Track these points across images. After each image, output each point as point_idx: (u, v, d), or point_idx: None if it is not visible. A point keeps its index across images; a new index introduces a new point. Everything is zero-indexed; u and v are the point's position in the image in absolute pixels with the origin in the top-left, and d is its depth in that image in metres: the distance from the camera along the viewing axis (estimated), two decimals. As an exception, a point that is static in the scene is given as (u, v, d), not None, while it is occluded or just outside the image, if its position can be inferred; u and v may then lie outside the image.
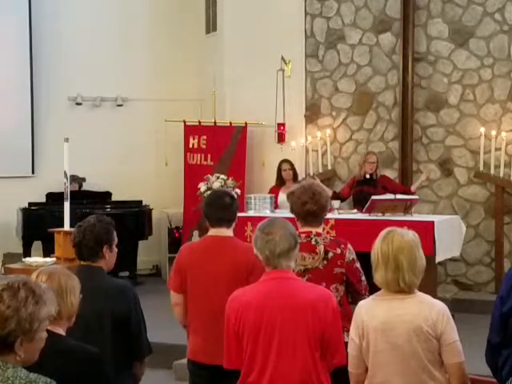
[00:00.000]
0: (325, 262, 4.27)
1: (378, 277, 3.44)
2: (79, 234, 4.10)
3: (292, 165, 9.53)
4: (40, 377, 2.57)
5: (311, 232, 4.33)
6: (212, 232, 4.47)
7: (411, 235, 3.48)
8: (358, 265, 4.34)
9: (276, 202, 8.82)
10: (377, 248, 3.46)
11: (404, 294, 3.43)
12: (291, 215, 4.46)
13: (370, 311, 3.48)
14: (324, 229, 4.59)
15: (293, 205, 4.42)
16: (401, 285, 3.40)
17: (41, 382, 2.55)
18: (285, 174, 9.46)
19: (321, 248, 4.28)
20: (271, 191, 9.23)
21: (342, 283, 4.30)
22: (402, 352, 3.38)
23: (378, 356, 3.43)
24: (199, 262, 4.38)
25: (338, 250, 4.29)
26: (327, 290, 3.80)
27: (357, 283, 4.32)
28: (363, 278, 4.32)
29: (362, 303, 3.60)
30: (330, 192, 8.58)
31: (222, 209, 4.41)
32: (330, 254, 4.28)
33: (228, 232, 4.44)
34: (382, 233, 3.50)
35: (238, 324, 3.52)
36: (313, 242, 4.29)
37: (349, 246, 4.35)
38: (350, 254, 4.32)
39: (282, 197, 8.40)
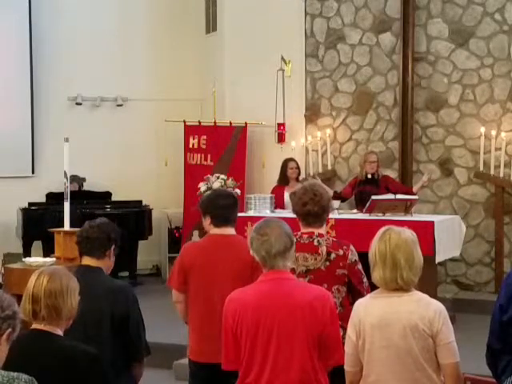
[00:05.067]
0: (327, 263, 4.27)
1: (376, 275, 3.44)
2: (91, 229, 4.12)
3: (298, 164, 9.51)
4: (21, 374, 2.58)
5: (313, 233, 4.33)
6: (216, 231, 4.50)
7: (408, 233, 3.47)
8: (359, 266, 4.33)
9: (282, 201, 8.79)
10: (374, 247, 3.45)
11: (402, 292, 3.42)
12: (292, 215, 4.47)
13: (367, 309, 3.48)
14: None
15: (294, 205, 4.43)
16: (399, 283, 3.39)
17: (23, 379, 2.55)
18: (291, 172, 9.36)
19: (323, 249, 4.28)
20: (274, 191, 9.20)
21: (343, 284, 4.30)
22: (397, 350, 3.37)
23: (374, 354, 3.42)
24: (204, 261, 4.41)
25: (341, 252, 4.29)
26: (325, 289, 3.79)
27: (358, 284, 4.31)
28: (365, 279, 4.31)
29: (360, 301, 3.59)
30: (331, 192, 8.52)
31: (229, 208, 4.50)
32: (333, 256, 4.27)
33: (233, 231, 4.53)
34: (379, 231, 3.50)
35: (236, 325, 3.51)
36: (315, 243, 4.29)
37: (351, 247, 4.35)
38: (353, 255, 4.32)
39: (288, 196, 8.37)
